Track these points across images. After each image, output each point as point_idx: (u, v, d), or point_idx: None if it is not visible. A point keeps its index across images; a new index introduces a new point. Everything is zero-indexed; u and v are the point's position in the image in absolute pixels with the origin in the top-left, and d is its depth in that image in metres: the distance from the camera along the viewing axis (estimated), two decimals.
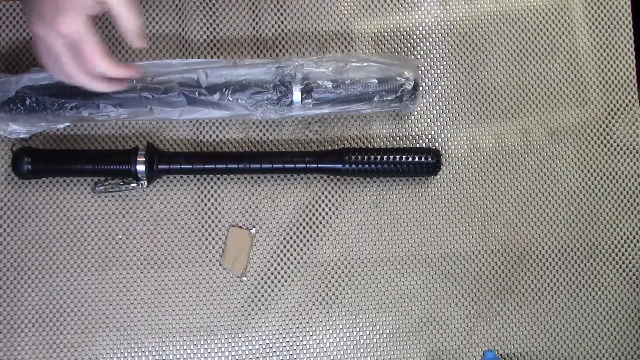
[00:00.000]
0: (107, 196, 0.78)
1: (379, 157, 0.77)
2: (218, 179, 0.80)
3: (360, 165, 0.76)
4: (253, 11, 0.82)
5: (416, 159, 0.77)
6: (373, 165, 0.77)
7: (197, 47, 0.81)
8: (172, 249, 0.78)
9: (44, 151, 0.76)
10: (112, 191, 0.77)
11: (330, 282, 0.80)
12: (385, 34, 0.83)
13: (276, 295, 0.79)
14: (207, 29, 0.81)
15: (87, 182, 0.78)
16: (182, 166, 0.76)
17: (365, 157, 0.77)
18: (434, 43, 0.84)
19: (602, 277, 0.83)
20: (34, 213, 0.77)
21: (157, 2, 0.81)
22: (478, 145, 0.83)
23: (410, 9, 0.84)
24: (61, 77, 0.65)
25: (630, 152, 0.84)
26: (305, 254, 0.80)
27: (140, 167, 0.74)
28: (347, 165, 0.76)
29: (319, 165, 0.77)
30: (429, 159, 0.77)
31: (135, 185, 0.76)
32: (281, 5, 0.82)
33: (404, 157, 0.77)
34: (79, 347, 0.76)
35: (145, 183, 0.76)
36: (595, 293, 0.82)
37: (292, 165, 0.77)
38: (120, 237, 0.78)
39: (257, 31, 0.82)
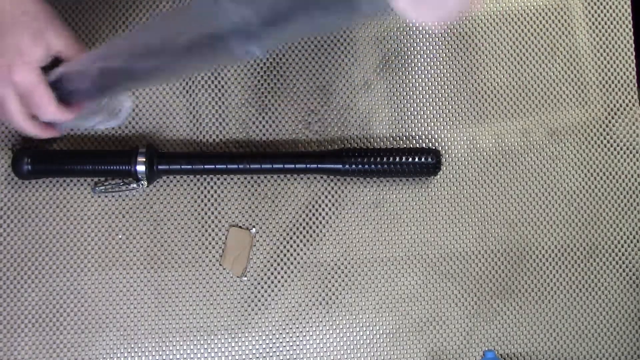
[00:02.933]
0: (107, 196, 0.78)
1: (378, 157, 0.77)
2: (218, 179, 0.80)
3: (360, 166, 0.76)
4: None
5: (416, 160, 0.77)
6: (373, 166, 0.77)
7: None
8: (172, 249, 0.78)
9: (44, 151, 0.76)
10: (112, 191, 0.77)
11: (330, 282, 0.80)
12: (385, 34, 0.83)
13: (276, 295, 0.79)
14: None
15: (87, 182, 0.78)
16: (182, 166, 0.76)
17: (365, 157, 0.77)
18: (434, 43, 0.84)
19: (602, 277, 0.83)
20: (33, 213, 0.77)
21: (156, 1, 0.81)
22: (478, 145, 0.83)
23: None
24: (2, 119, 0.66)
25: (630, 152, 0.84)
26: (305, 254, 0.80)
27: (140, 168, 0.74)
28: (347, 166, 0.76)
29: (318, 166, 0.77)
30: (429, 160, 0.77)
31: (135, 185, 0.76)
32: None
33: (403, 157, 0.77)
34: (79, 347, 0.76)
35: (145, 183, 0.76)
36: (595, 293, 0.82)
37: (292, 166, 0.77)
38: (120, 237, 0.78)
39: None
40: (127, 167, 0.74)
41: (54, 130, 0.68)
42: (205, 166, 0.76)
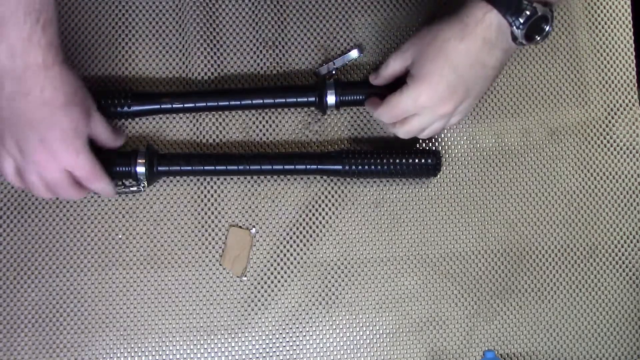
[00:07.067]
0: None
1: (378, 158, 0.77)
2: (218, 179, 0.80)
3: (360, 167, 0.76)
4: (253, 11, 0.82)
5: (416, 161, 0.77)
6: (373, 167, 0.77)
7: (197, 47, 0.81)
8: (172, 249, 0.78)
9: None
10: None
11: (330, 282, 0.80)
12: (385, 34, 0.83)
13: (276, 295, 0.79)
14: (207, 28, 0.81)
15: None
16: (182, 167, 0.76)
17: (365, 158, 0.77)
18: None
19: (602, 277, 0.83)
20: (33, 213, 0.77)
21: (156, 1, 0.81)
22: (478, 145, 0.83)
23: (410, 8, 0.84)
24: (45, 196, 0.70)
25: (630, 152, 0.84)
26: (305, 254, 0.80)
27: (140, 169, 0.74)
28: (347, 167, 0.76)
29: (319, 167, 0.77)
30: (429, 160, 0.77)
31: (134, 188, 0.76)
32: (281, 6, 0.82)
33: (403, 158, 0.77)
34: (79, 347, 0.76)
35: (145, 184, 0.76)
36: (595, 293, 0.82)
37: (292, 167, 0.77)
38: (120, 237, 0.78)
39: (257, 31, 0.82)
40: (127, 169, 0.74)
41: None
42: (205, 167, 0.76)
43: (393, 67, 0.72)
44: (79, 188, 0.70)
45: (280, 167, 0.76)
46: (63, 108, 0.64)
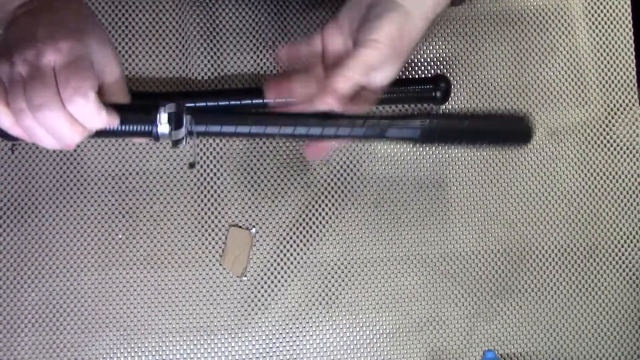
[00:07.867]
0: (107, 196, 0.78)
1: (466, 119, 0.65)
2: (218, 178, 0.80)
3: (445, 130, 0.63)
4: (253, 11, 0.82)
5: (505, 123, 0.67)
6: (460, 128, 0.64)
7: (197, 47, 0.81)
8: (172, 249, 0.78)
9: None
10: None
11: (330, 282, 0.80)
12: None
13: (276, 295, 0.79)
14: (207, 28, 0.81)
15: (86, 181, 0.78)
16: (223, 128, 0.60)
17: (448, 120, 0.65)
18: (434, 43, 0.84)
19: (602, 277, 0.83)
20: (33, 213, 0.77)
21: (156, 1, 0.81)
22: None
23: None
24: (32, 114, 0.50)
25: (630, 152, 0.84)
26: (305, 254, 0.80)
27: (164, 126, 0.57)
28: (429, 128, 0.62)
29: (399, 130, 0.62)
30: (518, 124, 0.67)
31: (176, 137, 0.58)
32: (281, 6, 0.82)
33: (492, 120, 0.67)
34: (79, 347, 0.76)
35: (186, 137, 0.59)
36: (595, 293, 0.82)
37: (363, 131, 0.61)
38: (120, 237, 0.78)
39: (257, 31, 0.82)
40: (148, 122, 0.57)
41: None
42: (267, 130, 0.61)
43: (331, 45, 0.62)
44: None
45: (365, 131, 0.61)
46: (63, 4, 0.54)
